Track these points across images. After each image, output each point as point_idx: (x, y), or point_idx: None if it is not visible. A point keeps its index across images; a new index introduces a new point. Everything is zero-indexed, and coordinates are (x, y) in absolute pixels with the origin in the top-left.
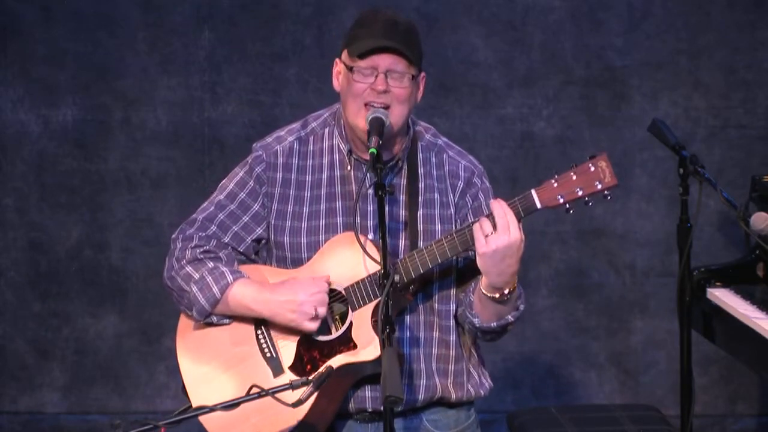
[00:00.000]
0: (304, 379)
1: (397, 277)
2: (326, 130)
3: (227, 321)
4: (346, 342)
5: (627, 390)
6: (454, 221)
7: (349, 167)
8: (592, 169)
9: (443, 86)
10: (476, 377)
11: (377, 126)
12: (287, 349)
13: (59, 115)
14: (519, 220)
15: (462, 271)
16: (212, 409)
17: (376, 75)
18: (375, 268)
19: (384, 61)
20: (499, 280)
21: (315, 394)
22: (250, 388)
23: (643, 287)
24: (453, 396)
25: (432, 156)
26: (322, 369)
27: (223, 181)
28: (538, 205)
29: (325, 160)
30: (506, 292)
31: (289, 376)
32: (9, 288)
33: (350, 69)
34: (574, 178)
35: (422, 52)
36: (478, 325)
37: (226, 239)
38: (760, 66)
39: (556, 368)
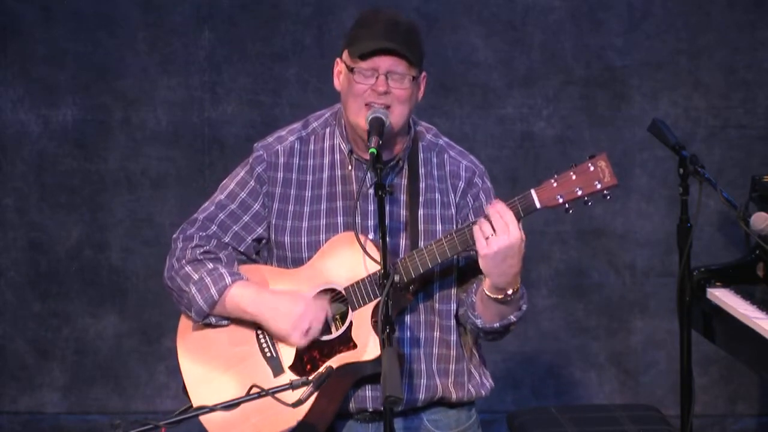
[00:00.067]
0: (304, 379)
1: (397, 277)
2: (327, 129)
3: (225, 323)
4: (346, 342)
5: (627, 390)
6: (455, 221)
7: (350, 167)
8: (592, 168)
9: (443, 86)
10: (477, 377)
11: (377, 126)
12: (287, 349)
13: (59, 115)
14: (518, 220)
15: (463, 270)
16: (212, 409)
17: (376, 76)
18: (375, 268)
19: (385, 62)
20: (501, 280)
21: (315, 394)
22: (250, 388)
23: (643, 287)
24: (454, 396)
25: (433, 156)
26: (322, 369)
27: (224, 180)
28: (538, 205)
29: (326, 160)
30: (509, 292)
31: (289, 376)
32: (9, 288)
33: (351, 70)
34: (574, 177)
35: (423, 52)
36: (480, 326)
37: (227, 239)
38: (760, 66)
39: (556, 368)
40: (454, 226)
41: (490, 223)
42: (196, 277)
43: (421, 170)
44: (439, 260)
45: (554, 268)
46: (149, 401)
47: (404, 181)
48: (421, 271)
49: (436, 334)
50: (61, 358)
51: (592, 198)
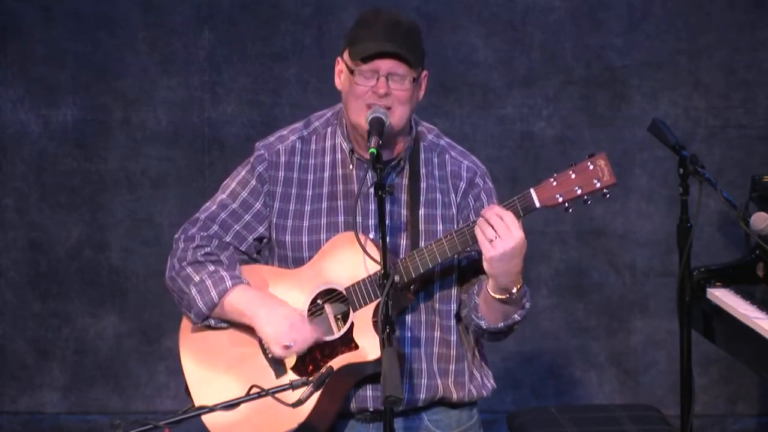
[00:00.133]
0: (303, 379)
1: (397, 277)
2: (329, 129)
3: (224, 325)
4: (348, 342)
5: (627, 390)
6: (456, 221)
7: (351, 166)
8: (591, 167)
9: (443, 86)
10: (479, 378)
11: (377, 126)
12: None
13: (59, 115)
14: (518, 219)
15: (464, 270)
16: (212, 409)
17: (377, 78)
18: (376, 267)
19: (385, 64)
20: (506, 280)
21: (317, 394)
22: (250, 388)
23: (643, 287)
24: (454, 396)
25: (434, 156)
26: (322, 369)
27: (226, 180)
28: (537, 204)
29: (327, 159)
30: (513, 291)
31: (290, 377)
32: (9, 288)
33: (352, 72)
34: (573, 176)
35: (424, 52)
36: (485, 328)
37: (228, 238)
38: (760, 66)
39: (556, 368)
40: (455, 227)
41: (492, 226)
42: (197, 278)
43: (423, 170)
44: (440, 260)
45: (554, 268)
46: (149, 401)
47: (405, 181)
48: (422, 271)
49: (437, 333)
50: (61, 358)
51: (592, 197)
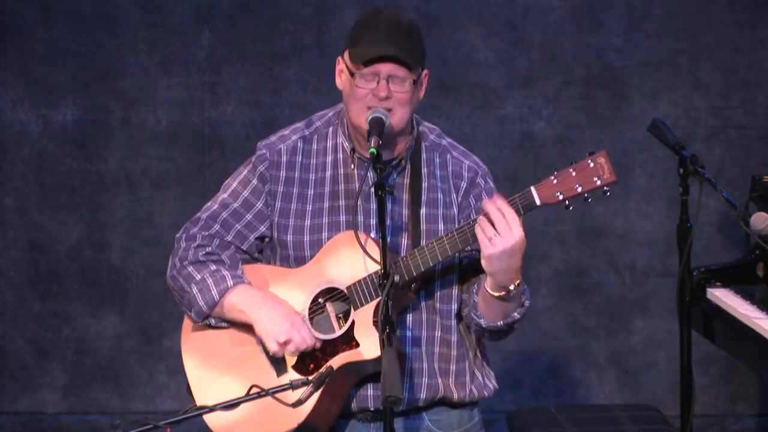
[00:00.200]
0: (303, 378)
1: (397, 277)
2: (330, 128)
3: (225, 325)
4: (348, 341)
5: (627, 390)
6: (457, 221)
7: (352, 165)
8: (591, 165)
9: (443, 86)
10: (480, 378)
11: (377, 126)
12: None
13: (59, 115)
14: (519, 217)
15: (464, 269)
16: (212, 408)
17: (377, 80)
18: (376, 267)
19: (386, 67)
20: (504, 278)
21: (317, 394)
22: (250, 388)
23: (643, 287)
24: (455, 396)
25: (435, 156)
26: (322, 369)
27: (227, 180)
28: (538, 202)
29: (329, 159)
30: (511, 288)
31: (292, 376)
32: (9, 288)
33: (352, 74)
34: (573, 174)
35: (425, 51)
36: (484, 326)
37: (229, 237)
38: (760, 66)
39: (556, 368)
40: (456, 226)
41: (492, 223)
42: (198, 277)
43: (424, 170)
44: (440, 258)
45: (554, 268)
46: (149, 401)
47: (407, 181)
48: (422, 270)
49: (437, 333)
50: (61, 358)
51: (592, 194)
